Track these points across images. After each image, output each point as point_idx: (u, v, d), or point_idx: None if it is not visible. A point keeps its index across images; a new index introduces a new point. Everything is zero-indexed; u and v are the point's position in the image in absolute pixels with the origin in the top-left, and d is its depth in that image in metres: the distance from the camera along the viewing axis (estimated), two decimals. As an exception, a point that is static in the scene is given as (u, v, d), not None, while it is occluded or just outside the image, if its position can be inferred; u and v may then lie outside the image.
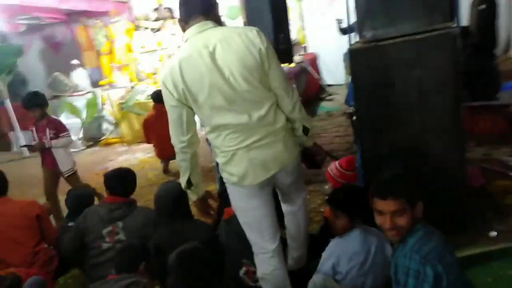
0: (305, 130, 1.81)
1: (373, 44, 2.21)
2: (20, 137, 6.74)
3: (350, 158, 2.46)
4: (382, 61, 2.19)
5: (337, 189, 2.12)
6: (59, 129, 3.60)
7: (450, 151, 2.23)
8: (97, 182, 4.85)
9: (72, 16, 8.93)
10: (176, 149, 1.71)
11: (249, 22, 3.73)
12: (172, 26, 7.70)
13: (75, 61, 8.49)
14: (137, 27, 7.99)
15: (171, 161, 4.59)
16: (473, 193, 2.33)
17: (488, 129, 3.76)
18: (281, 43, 3.74)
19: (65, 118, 6.91)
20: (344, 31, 5.78)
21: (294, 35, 8.44)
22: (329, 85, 8.10)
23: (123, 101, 6.51)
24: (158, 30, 7.88)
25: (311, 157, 1.95)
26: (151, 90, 6.71)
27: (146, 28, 7.86)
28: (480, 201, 2.45)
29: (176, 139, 1.69)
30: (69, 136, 3.69)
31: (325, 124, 5.77)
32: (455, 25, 2.09)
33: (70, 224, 2.62)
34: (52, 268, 2.54)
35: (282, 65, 1.74)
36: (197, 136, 1.74)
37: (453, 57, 2.08)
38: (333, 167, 2.54)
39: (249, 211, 1.80)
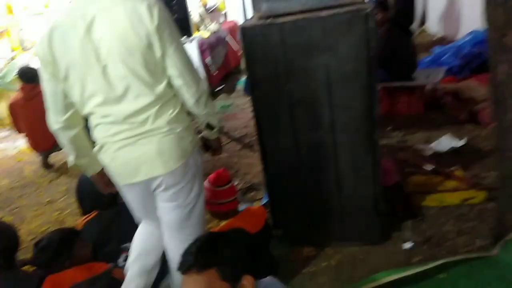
0: (210, 127, 1.56)
1: (269, 21, 1.70)
2: None
3: (220, 172, 1.97)
4: (281, 44, 1.71)
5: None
6: None
7: (363, 153, 1.87)
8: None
9: None
10: (53, 130, 1.46)
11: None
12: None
13: None
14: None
15: (52, 154, 3.79)
16: (386, 195, 2.03)
17: (405, 111, 3.59)
18: (174, 13, 3.14)
19: None
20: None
21: (212, 0, 7.69)
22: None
23: (-2, 76, 5.37)
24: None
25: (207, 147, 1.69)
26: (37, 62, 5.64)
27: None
28: (394, 204, 2.16)
29: (52, 119, 1.44)
30: None
31: (242, 102, 5.27)
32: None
33: None
34: None
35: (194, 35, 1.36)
36: (79, 116, 1.45)
37: (366, 39, 1.66)
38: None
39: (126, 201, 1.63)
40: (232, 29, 7.28)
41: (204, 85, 1.45)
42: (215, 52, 5.99)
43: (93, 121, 1.42)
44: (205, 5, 7.18)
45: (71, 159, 1.50)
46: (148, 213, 1.61)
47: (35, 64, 5.44)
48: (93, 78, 1.30)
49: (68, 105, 1.40)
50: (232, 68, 6.87)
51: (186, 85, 1.37)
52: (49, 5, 6.16)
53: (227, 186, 1.93)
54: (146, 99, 1.33)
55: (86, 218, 2.04)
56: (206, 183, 1.91)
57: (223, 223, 1.95)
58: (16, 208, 3.22)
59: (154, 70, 1.31)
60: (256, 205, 2.47)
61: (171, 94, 1.39)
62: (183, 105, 1.44)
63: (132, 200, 1.58)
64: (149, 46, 1.27)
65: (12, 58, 5.66)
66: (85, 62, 1.29)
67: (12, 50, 6.02)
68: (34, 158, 4.00)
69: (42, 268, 1.63)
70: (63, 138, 1.46)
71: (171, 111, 1.38)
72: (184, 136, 1.42)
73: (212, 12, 7.39)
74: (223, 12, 8.03)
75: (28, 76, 3.56)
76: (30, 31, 6.21)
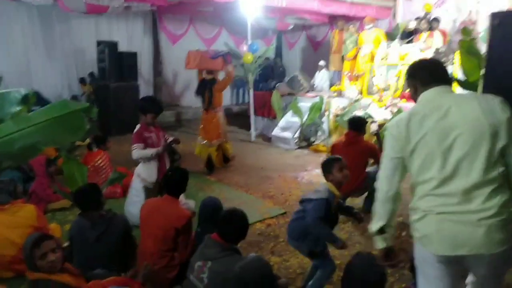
0: None
1: None
2: (254, 120, 7.72)
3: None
4: None
5: None
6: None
7: None
8: (278, 188, 4.88)
9: (333, 19, 9.21)
10: (378, 194, 1.73)
11: (490, 62, 2.73)
12: (426, 39, 6.71)
13: (321, 62, 8.84)
14: (388, 36, 7.42)
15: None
16: None
17: None
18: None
19: (290, 116, 7.32)
20: None
21: None
22: None
23: (340, 112, 6.23)
24: (410, 41, 7.06)
25: None
26: (374, 108, 6.13)
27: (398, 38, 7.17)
28: None
29: (381, 186, 1.71)
30: None
31: None
32: None
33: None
34: (170, 275, 2.64)
35: None
36: (400, 193, 1.71)
37: None
38: None
39: (427, 278, 1.67)
40: None
41: None
42: None
43: (420, 191, 1.58)
44: None
45: (377, 225, 1.71)
46: None
47: (365, 112, 5.94)
48: (436, 154, 1.52)
49: (396, 180, 1.66)
50: None
51: None
52: (404, 58, 6.54)
53: None
54: (478, 179, 1.47)
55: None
56: None
57: None
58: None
59: (492, 157, 1.48)
60: None
61: (502, 181, 1.50)
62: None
63: (437, 276, 1.61)
64: (496, 133, 1.47)
65: (356, 100, 6.43)
66: (434, 139, 1.53)
67: (359, 93, 6.85)
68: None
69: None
70: (384, 204, 1.69)
71: (500, 196, 1.48)
72: (510, 222, 1.48)
73: None
74: None
75: (354, 124, 3.91)
76: (379, 79, 6.84)
